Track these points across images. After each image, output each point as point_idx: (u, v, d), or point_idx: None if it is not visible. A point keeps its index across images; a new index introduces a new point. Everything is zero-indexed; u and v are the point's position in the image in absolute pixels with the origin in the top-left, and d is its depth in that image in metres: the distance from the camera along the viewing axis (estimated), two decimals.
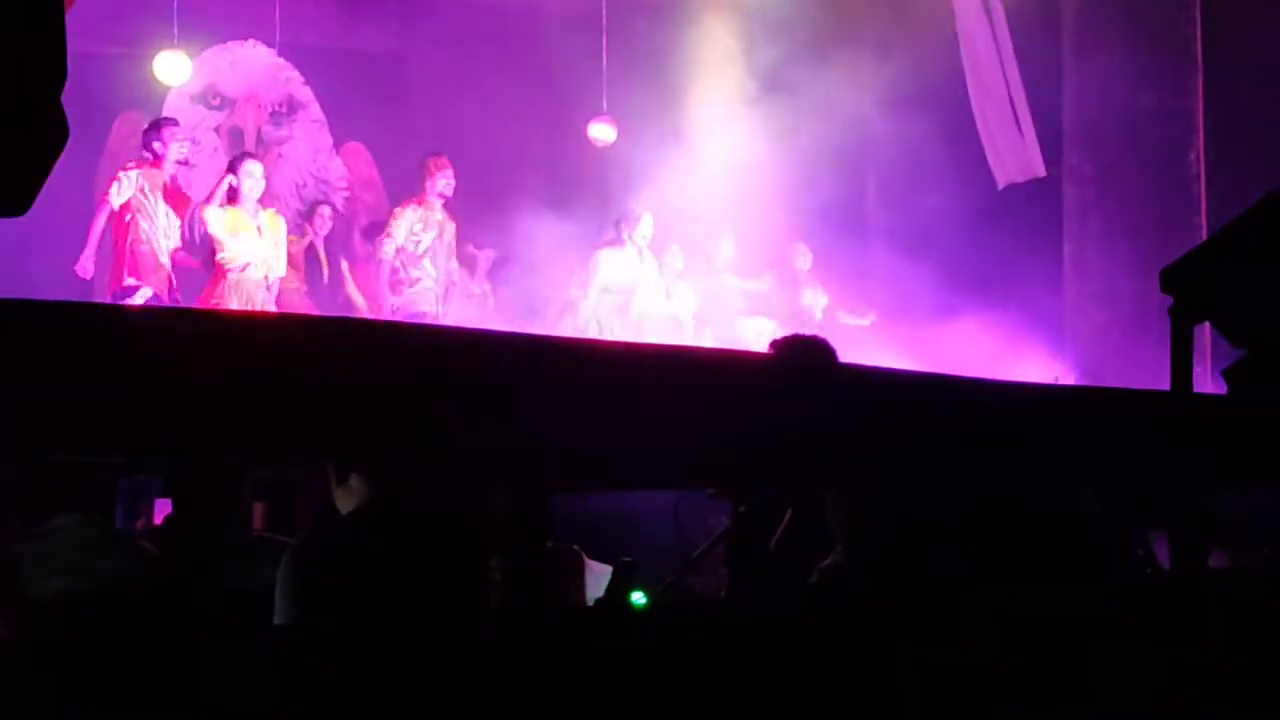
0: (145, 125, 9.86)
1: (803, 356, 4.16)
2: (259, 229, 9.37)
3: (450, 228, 10.40)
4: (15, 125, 1.91)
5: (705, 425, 2.80)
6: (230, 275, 9.31)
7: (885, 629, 2.87)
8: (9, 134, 1.91)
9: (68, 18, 2.21)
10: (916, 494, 3.27)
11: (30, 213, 2.22)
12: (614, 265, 10.87)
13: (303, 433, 2.33)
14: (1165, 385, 3.06)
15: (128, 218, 9.22)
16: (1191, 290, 2.84)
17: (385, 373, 2.33)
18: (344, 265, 10.90)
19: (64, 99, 2.20)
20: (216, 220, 9.29)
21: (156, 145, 9.38)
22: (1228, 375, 3.11)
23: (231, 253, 9.31)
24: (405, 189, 11.78)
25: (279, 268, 9.53)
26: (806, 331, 4.86)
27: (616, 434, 2.72)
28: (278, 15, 11.46)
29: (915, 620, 2.89)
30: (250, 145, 11.68)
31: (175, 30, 10.66)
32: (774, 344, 4.39)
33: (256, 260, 9.32)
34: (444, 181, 10.25)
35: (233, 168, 9.57)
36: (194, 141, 11.41)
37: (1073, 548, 3.31)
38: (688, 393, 2.64)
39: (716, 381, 2.79)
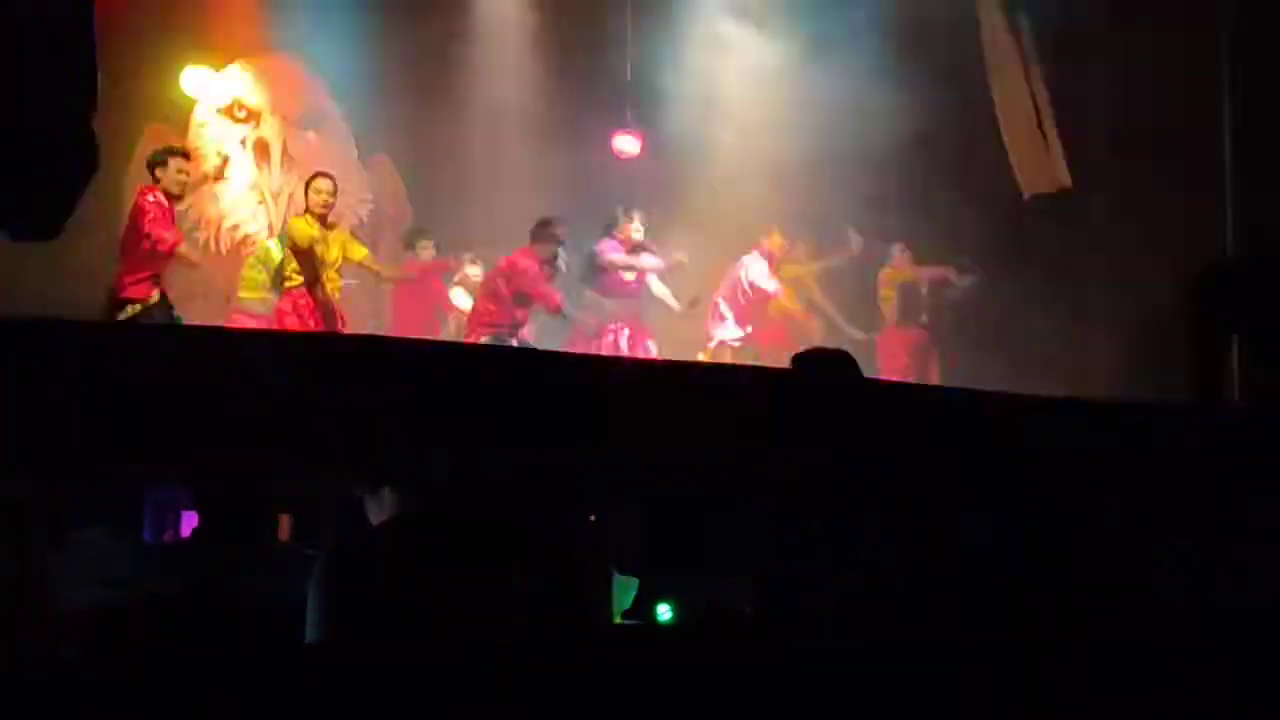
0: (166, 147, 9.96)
1: (825, 371, 4.16)
2: (324, 244, 9.68)
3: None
4: (49, 151, 1.92)
5: (730, 440, 2.81)
6: (293, 290, 9.65)
7: (910, 641, 2.87)
8: (42, 160, 1.92)
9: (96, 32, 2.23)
10: (941, 507, 3.27)
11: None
12: None
13: (330, 448, 2.35)
14: (1192, 398, 3.06)
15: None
16: (1220, 304, 2.84)
17: (412, 389, 2.34)
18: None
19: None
20: (292, 238, 9.68)
21: (158, 171, 9.58)
22: (1255, 388, 3.10)
23: (299, 269, 9.66)
24: (430, 202, 11.84)
25: (338, 281, 9.82)
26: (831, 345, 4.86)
27: (641, 448, 2.73)
28: (304, 28, 11.52)
29: (940, 633, 2.89)
30: (276, 158, 11.75)
31: (203, 44, 10.74)
32: (796, 358, 4.39)
33: (315, 277, 9.64)
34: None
35: (308, 185, 9.87)
36: (220, 155, 11.50)
37: (1097, 562, 3.30)
38: (712, 408, 2.66)
39: (741, 396, 2.80)
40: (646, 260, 10.74)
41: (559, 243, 10.17)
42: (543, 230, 10.14)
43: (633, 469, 2.82)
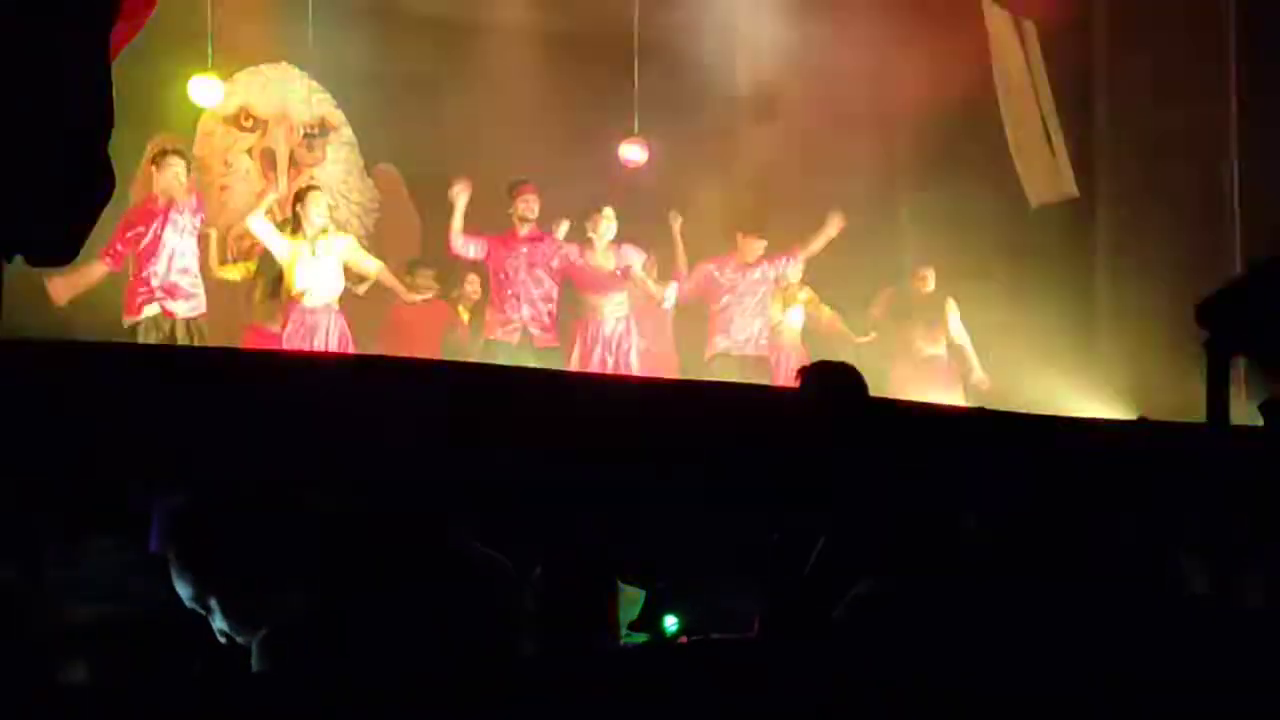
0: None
1: (832, 386, 4.14)
2: (315, 254, 9.71)
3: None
4: (65, 177, 1.93)
5: (737, 456, 2.81)
6: (295, 303, 9.74)
7: (917, 657, 2.86)
8: (59, 186, 1.93)
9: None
10: (946, 521, 3.26)
11: None
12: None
13: (322, 468, 2.35)
14: (1199, 407, 3.05)
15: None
16: (1228, 323, 2.83)
17: (413, 408, 2.35)
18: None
19: None
20: (281, 250, 9.75)
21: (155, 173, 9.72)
22: (1265, 408, 3.10)
23: (290, 281, 9.70)
24: (437, 211, 11.82)
25: (336, 290, 9.85)
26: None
27: (649, 465, 2.73)
28: (310, 37, 11.52)
29: (945, 648, 2.89)
30: (282, 167, 11.75)
31: (209, 52, 10.74)
32: (801, 372, 4.36)
33: (315, 287, 9.59)
34: (523, 206, 10.46)
35: (299, 198, 9.95)
36: (226, 163, 11.52)
37: (1108, 575, 3.30)
38: (720, 426, 2.66)
39: (748, 414, 2.80)
40: (628, 253, 10.80)
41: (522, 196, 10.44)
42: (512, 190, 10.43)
43: (641, 485, 2.82)
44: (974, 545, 3.19)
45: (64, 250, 2.00)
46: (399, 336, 10.90)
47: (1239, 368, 2.98)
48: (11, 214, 1.88)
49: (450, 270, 11.31)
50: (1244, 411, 3.07)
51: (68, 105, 1.92)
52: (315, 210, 9.81)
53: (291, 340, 9.75)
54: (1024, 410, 5.78)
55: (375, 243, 11.64)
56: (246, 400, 2.22)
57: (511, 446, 2.43)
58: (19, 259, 1.94)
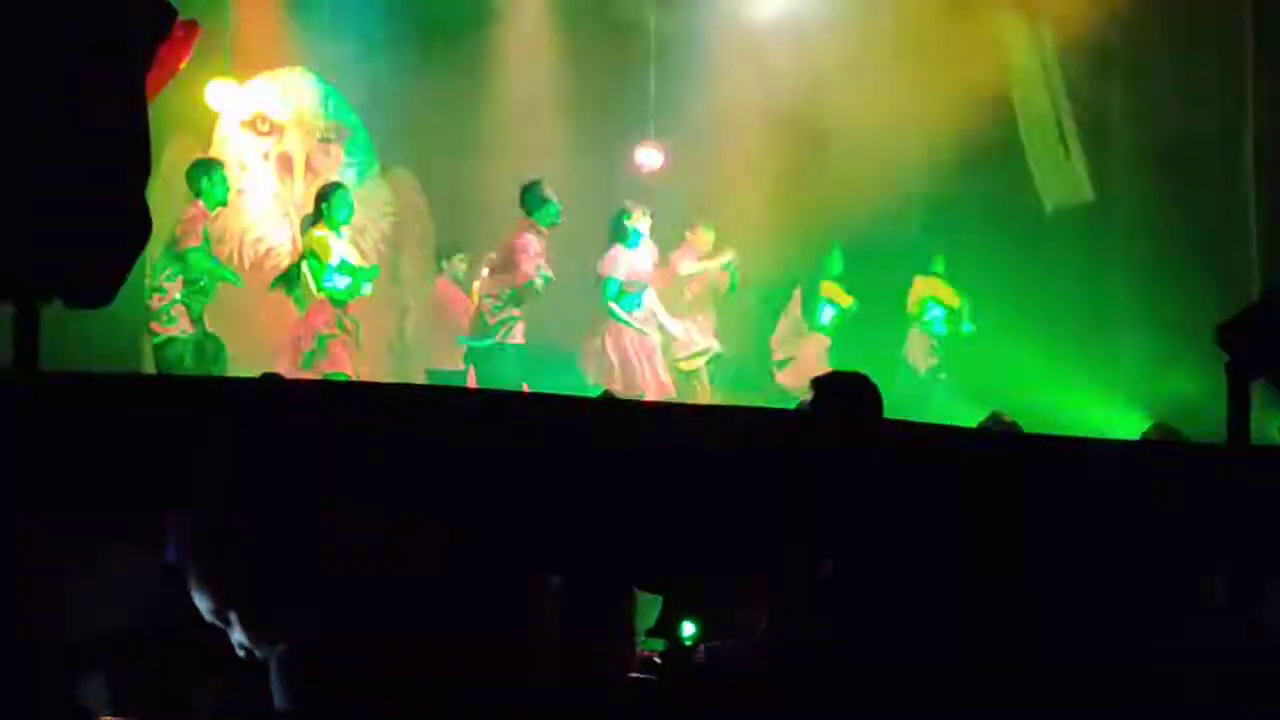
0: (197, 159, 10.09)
1: (843, 401, 4.12)
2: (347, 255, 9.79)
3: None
4: (103, 224, 1.94)
5: (751, 466, 2.82)
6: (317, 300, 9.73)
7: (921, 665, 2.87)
8: (95, 230, 1.94)
9: None
10: (960, 542, 3.26)
11: None
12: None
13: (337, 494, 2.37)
14: (1213, 412, 3.06)
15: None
16: (1248, 346, 2.83)
17: (426, 424, 2.36)
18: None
19: None
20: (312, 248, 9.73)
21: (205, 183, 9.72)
22: None
23: (319, 279, 9.73)
24: (451, 215, 11.86)
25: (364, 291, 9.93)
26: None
27: (665, 472, 2.74)
28: (326, 43, 11.56)
29: (969, 670, 2.89)
30: (299, 172, 11.78)
31: (227, 57, 10.77)
32: (815, 382, 4.33)
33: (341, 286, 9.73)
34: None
35: (324, 196, 9.80)
36: (243, 168, 11.56)
37: (1128, 594, 3.29)
38: (735, 436, 2.67)
39: (763, 425, 2.81)
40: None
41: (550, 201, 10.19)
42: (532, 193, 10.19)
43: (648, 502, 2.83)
44: (988, 559, 3.18)
45: (100, 293, 2.02)
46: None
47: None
48: (49, 258, 1.90)
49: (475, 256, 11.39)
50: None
51: (103, 150, 1.93)
52: (341, 206, 9.82)
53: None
54: (1033, 416, 5.77)
55: (391, 246, 11.69)
56: (262, 421, 2.24)
57: (524, 455, 2.45)
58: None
